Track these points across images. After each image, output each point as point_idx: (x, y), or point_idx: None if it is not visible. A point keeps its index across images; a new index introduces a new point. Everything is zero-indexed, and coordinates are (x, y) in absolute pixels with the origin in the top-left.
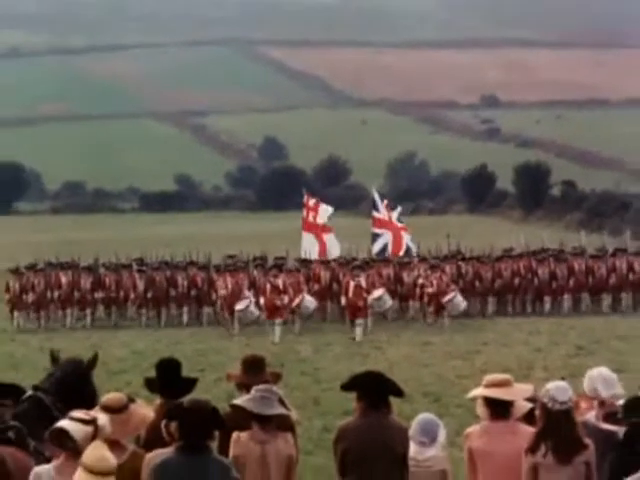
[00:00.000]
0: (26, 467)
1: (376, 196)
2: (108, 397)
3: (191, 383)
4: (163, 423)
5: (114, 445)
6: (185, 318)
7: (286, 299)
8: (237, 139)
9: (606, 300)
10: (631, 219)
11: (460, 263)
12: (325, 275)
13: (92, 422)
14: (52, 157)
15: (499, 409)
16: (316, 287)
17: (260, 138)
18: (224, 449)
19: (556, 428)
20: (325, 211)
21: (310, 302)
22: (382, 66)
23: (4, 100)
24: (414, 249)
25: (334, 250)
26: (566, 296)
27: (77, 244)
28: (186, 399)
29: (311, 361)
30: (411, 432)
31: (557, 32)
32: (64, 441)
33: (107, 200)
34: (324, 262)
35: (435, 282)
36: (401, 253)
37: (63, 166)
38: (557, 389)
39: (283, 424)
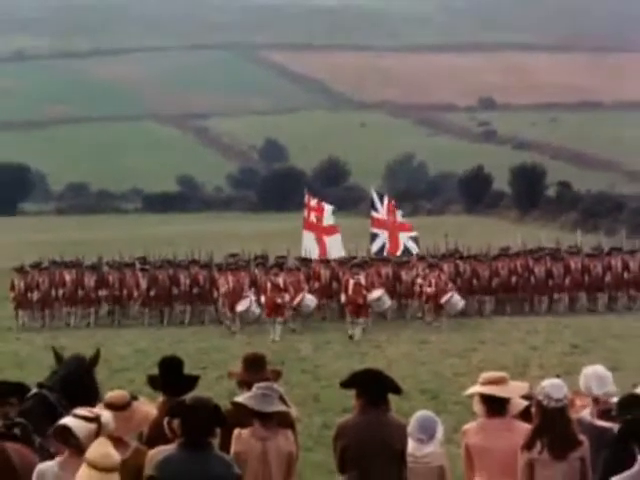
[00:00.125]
0: (31, 463)
1: (375, 196)
2: (111, 394)
3: (193, 381)
4: (166, 420)
5: (117, 442)
6: (187, 317)
7: (287, 297)
8: (239, 141)
9: (602, 299)
10: (625, 219)
11: (458, 262)
12: (325, 274)
13: (95, 419)
14: (57, 159)
15: (495, 406)
16: (316, 285)
17: (261, 140)
18: (226, 446)
19: (551, 425)
20: (329, 211)
21: (311, 300)
22: (382, 69)
23: (10, 103)
24: (414, 249)
25: (334, 252)
26: (562, 295)
27: (81, 244)
28: (188, 396)
29: (311, 359)
30: (409, 429)
31: (554, 36)
32: (67, 438)
33: (111, 201)
34: (324, 261)
35: (434, 282)
36: (398, 253)
37: (67, 167)
38: (552, 387)
39: (284, 421)
